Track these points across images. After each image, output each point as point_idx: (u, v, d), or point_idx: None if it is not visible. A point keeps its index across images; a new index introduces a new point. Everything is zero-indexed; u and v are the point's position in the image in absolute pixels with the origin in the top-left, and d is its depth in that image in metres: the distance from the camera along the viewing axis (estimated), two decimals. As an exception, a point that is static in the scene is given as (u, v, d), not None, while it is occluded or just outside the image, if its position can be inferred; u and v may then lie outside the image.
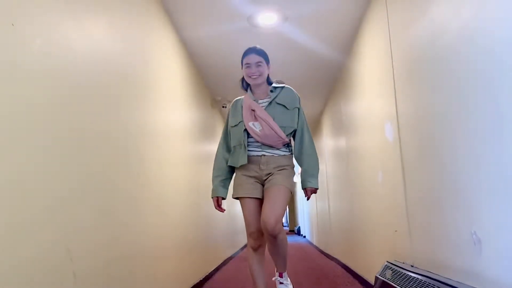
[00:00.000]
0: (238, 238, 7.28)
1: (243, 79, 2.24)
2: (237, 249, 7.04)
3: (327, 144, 5.71)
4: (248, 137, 2.08)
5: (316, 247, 7.61)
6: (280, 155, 2.08)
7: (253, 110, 2.08)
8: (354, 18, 3.09)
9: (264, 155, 2.06)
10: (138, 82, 2.22)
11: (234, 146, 2.14)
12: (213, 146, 4.88)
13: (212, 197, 2.17)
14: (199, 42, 3.42)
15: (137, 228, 2.08)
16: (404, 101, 2.18)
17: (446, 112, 1.65)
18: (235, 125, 2.15)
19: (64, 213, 1.37)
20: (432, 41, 1.77)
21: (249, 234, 2.05)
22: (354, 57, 3.45)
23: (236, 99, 2.28)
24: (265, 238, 1.99)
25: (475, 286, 1.44)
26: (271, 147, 2.06)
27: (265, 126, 2.03)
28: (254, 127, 2.05)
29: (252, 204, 2.05)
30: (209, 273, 4.04)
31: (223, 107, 5.23)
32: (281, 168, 2.04)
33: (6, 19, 1.13)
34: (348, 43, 3.54)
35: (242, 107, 2.15)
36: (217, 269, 4.57)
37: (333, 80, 4.53)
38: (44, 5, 1.32)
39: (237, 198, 2.12)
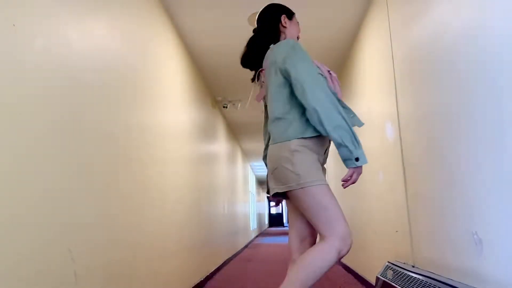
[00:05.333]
0: (238, 238, 7.29)
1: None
2: (238, 249, 7.04)
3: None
4: None
5: (317, 247, 7.59)
6: None
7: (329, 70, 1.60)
8: (354, 17, 3.09)
9: None
10: (138, 82, 2.22)
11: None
12: (214, 146, 4.88)
13: (365, 163, 1.38)
14: (200, 41, 3.42)
15: (138, 228, 2.08)
16: (405, 100, 2.17)
17: (447, 112, 1.65)
18: (320, 73, 1.53)
19: (65, 213, 1.37)
20: (433, 40, 1.77)
21: (349, 232, 1.37)
22: (355, 56, 3.45)
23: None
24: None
25: (476, 287, 1.44)
26: None
27: (339, 91, 1.57)
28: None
29: None
30: (210, 273, 4.04)
31: (224, 107, 5.23)
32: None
33: (8, 20, 1.14)
34: (349, 43, 3.54)
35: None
36: (218, 269, 4.57)
37: (334, 80, 4.52)
38: (45, 5, 1.32)
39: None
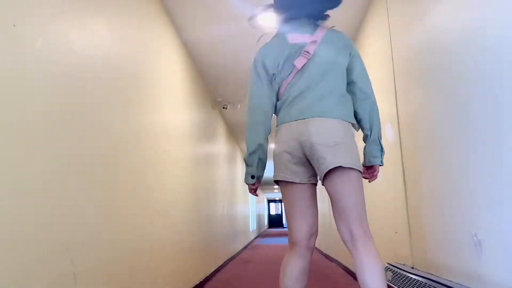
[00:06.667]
0: (238, 239, 7.28)
1: None
2: (237, 250, 7.03)
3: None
4: None
5: (317, 249, 7.60)
6: None
7: None
8: (354, 19, 3.09)
9: None
10: (138, 83, 2.22)
11: None
12: (214, 148, 4.88)
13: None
14: (200, 43, 3.42)
15: (138, 229, 2.08)
16: (405, 102, 2.18)
17: (446, 113, 1.65)
18: None
19: (65, 214, 1.37)
20: (432, 42, 1.77)
21: None
22: (355, 58, 3.45)
23: None
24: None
25: (475, 288, 1.44)
26: None
27: None
28: None
29: None
30: (209, 274, 4.03)
31: (223, 108, 5.23)
32: None
33: (8, 21, 1.14)
34: (349, 45, 3.54)
35: None
36: (217, 270, 4.56)
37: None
38: (45, 6, 1.32)
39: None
